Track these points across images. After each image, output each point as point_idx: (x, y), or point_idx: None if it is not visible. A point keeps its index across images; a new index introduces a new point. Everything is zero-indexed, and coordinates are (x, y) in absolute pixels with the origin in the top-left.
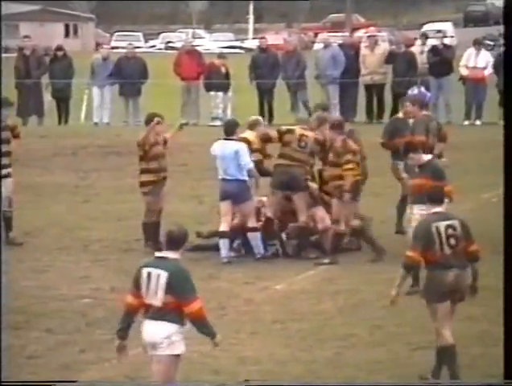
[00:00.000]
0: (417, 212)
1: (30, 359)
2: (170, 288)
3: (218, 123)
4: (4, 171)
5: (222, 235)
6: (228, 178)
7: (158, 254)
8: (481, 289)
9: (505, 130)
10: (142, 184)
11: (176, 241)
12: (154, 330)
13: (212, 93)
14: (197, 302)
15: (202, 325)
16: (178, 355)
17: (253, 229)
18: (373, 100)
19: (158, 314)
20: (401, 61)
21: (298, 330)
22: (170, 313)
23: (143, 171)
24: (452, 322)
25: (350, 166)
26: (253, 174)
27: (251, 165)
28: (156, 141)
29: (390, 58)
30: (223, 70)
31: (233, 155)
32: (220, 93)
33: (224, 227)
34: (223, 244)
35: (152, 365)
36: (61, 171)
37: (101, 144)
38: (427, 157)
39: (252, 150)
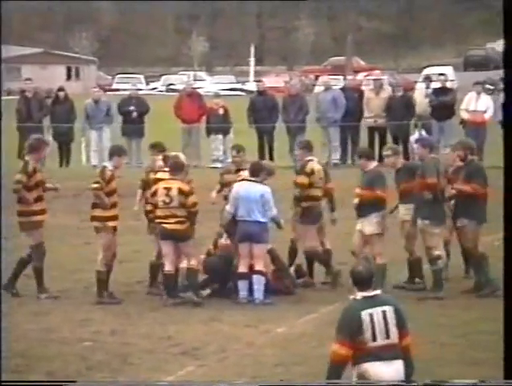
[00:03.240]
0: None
1: None
2: (397, 321)
3: (219, 165)
4: (114, 223)
5: (241, 276)
6: (249, 219)
7: (367, 294)
8: (483, 333)
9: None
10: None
11: (370, 279)
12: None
13: (212, 136)
14: (410, 336)
15: (410, 360)
16: None
17: (261, 273)
18: (375, 143)
19: (397, 351)
20: (399, 105)
21: (300, 374)
22: (399, 348)
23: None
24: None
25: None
26: (277, 219)
27: (275, 211)
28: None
29: (389, 102)
30: (221, 112)
31: (258, 198)
32: (220, 136)
33: (242, 268)
34: (242, 285)
35: None
36: (63, 213)
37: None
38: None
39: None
